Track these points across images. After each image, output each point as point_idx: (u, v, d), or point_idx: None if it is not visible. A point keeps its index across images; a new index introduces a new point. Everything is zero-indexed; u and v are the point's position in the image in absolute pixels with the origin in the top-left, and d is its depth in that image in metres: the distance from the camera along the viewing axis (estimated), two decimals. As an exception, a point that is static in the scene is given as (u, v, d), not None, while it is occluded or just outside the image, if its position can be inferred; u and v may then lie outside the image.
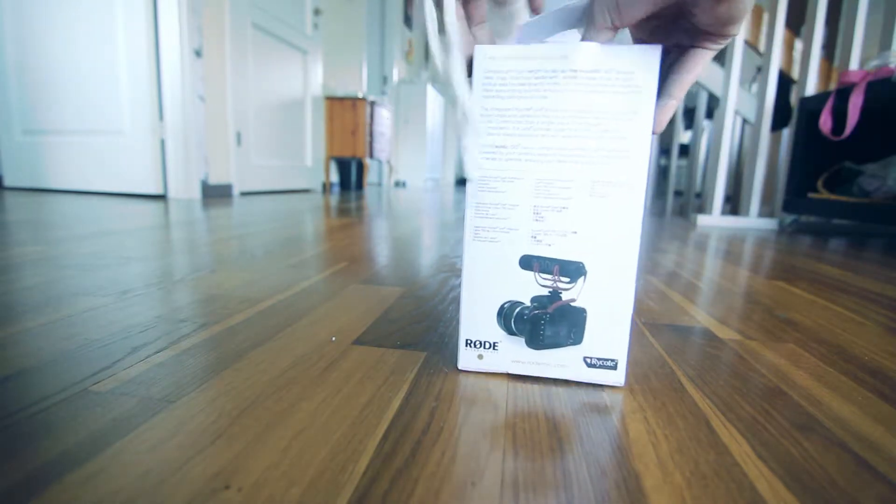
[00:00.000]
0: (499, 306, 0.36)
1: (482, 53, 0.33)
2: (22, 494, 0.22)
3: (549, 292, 0.35)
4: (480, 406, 0.32)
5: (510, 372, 0.37)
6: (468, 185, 0.35)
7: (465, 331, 0.37)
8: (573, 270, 0.35)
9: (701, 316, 0.57)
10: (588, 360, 0.36)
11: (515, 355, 0.37)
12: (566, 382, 0.37)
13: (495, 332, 0.37)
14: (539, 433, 0.29)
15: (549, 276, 0.35)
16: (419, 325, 0.48)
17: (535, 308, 0.36)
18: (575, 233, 0.34)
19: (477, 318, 0.37)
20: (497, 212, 0.35)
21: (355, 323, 0.49)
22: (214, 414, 0.30)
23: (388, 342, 0.43)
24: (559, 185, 0.34)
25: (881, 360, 0.44)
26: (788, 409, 0.34)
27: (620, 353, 0.36)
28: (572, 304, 0.35)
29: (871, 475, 0.26)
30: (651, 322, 0.53)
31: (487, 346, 0.37)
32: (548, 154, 0.34)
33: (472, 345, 0.37)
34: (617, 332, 0.35)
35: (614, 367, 0.36)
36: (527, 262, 0.35)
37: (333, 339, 0.44)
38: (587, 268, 0.35)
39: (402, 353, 0.41)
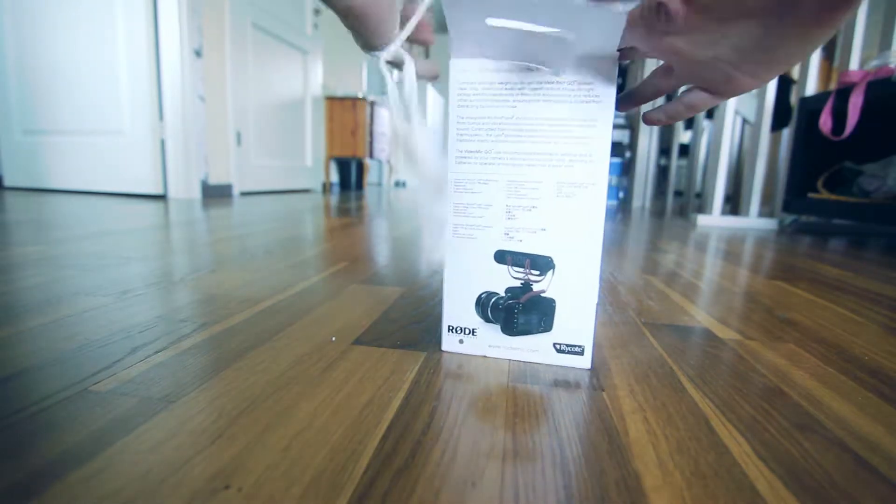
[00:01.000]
0: (476, 296, 0.40)
1: (456, 67, 0.36)
2: (23, 494, 0.22)
3: (522, 284, 0.39)
4: (480, 406, 0.32)
5: (487, 355, 0.41)
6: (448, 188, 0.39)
7: (447, 318, 0.41)
8: (543, 264, 0.38)
9: (701, 316, 0.57)
10: (557, 346, 0.40)
11: (492, 340, 0.40)
12: (566, 382, 0.37)
13: (474, 320, 0.40)
14: (539, 433, 0.29)
15: (521, 270, 0.38)
16: (419, 325, 0.48)
17: (509, 298, 0.39)
18: (544, 230, 0.38)
19: (457, 307, 0.40)
20: (473, 211, 0.38)
21: (355, 323, 0.49)
22: (214, 414, 0.30)
23: (388, 342, 0.43)
24: (529, 187, 0.37)
25: (881, 360, 0.44)
26: (788, 409, 0.34)
27: (587, 340, 0.39)
28: (543, 294, 0.39)
29: (870, 475, 0.26)
30: (651, 322, 0.53)
31: (467, 331, 0.41)
32: (518, 158, 0.37)
33: (454, 330, 0.41)
34: (583, 321, 0.39)
35: (581, 353, 0.39)
36: (501, 257, 0.38)
37: (333, 339, 0.44)
38: (556, 262, 0.38)
39: (402, 353, 0.41)
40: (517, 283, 0.39)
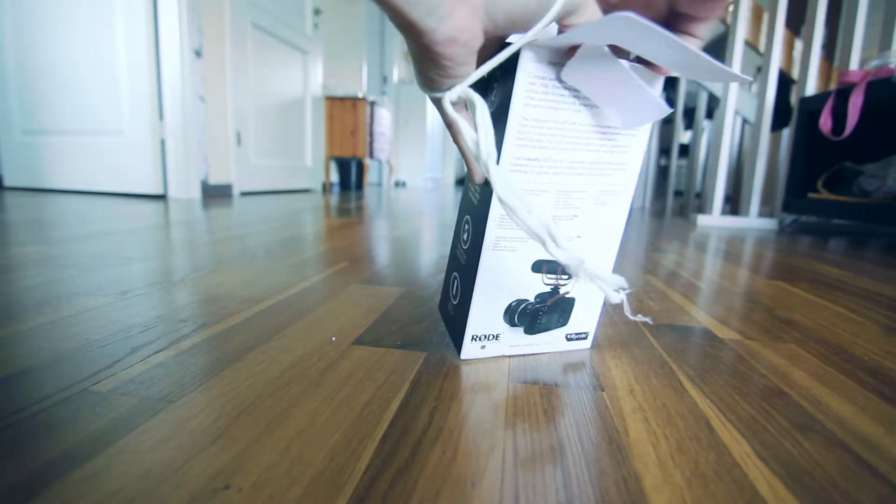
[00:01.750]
0: (507, 305, 0.39)
1: (530, 56, 0.30)
2: (23, 494, 0.22)
3: (551, 289, 0.39)
4: (480, 406, 0.32)
5: (507, 355, 0.41)
6: (493, 197, 0.34)
7: (472, 328, 0.39)
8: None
9: (701, 316, 0.57)
10: (568, 336, 0.43)
11: (513, 341, 0.41)
12: (566, 382, 0.37)
13: (499, 326, 0.40)
14: (539, 434, 0.29)
15: (553, 276, 0.39)
16: (419, 325, 0.48)
17: (538, 303, 0.39)
18: (579, 237, 0.38)
19: (484, 317, 0.39)
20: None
21: (355, 323, 0.49)
22: (214, 414, 0.30)
23: (388, 342, 0.43)
24: (574, 196, 0.36)
25: (881, 360, 0.44)
26: (788, 409, 0.34)
27: (591, 326, 0.43)
28: (566, 295, 0.40)
29: (871, 475, 0.26)
30: (651, 322, 0.53)
31: (491, 337, 0.40)
32: (571, 167, 0.35)
33: (477, 339, 0.40)
34: (592, 311, 0.42)
35: (585, 338, 0.43)
36: (538, 266, 0.38)
37: (333, 339, 0.44)
38: None
39: (402, 353, 0.41)
40: (547, 289, 0.39)
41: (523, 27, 0.27)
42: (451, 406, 0.32)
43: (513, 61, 0.31)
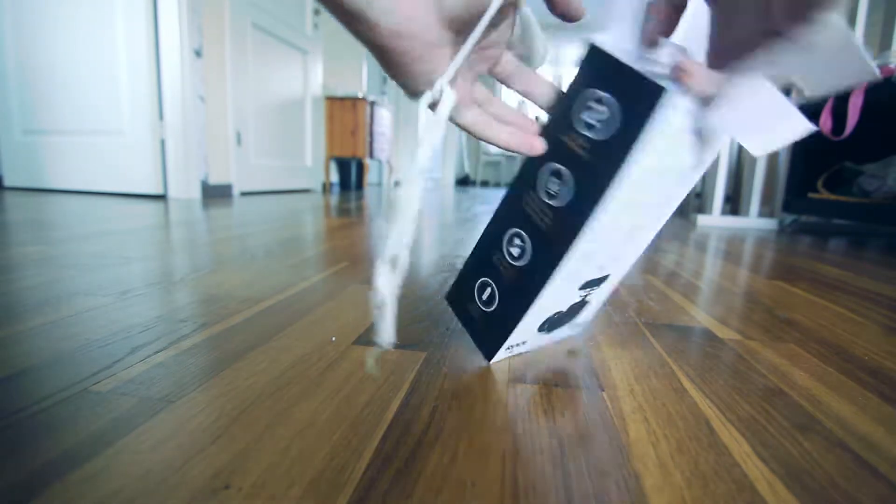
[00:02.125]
0: (548, 317, 0.39)
1: (669, 102, 0.27)
2: (23, 494, 0.22)
3: (581, 299, 0.40)
4: (480, 406, 0.32)
5: (524, 352, 0.43)
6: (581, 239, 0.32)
7: (512, 340, 0.38)
8: (603, 281, 0.40)
9: (701, 316, 0.57)
10: (570, 327, 0.45)
11: (534, 342, 0.42)
12: (566, 382, 0.37)
13: (531, 333, 0.40)
14: (539, 432, 0.29)
15: (588, 289, 0.39)
16: (419, 325, 0.48)
17: (565, 310, 0.41)
18: (621, 258, 0.38)
19: (525, 329, 0.39)
20: (594, 258, 0.35)
21: (355, 323, 0.49)
22: (214, 414, 0.30)
23: (389, 342, 0.44)
24: (639, 228, 0.36)
25: (881, 360, 0.44)
26: (788, 409, 0.34)
27: (591, 317, 0.48)
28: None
29: (871, 475, 0.26)
30: (651, 322, 0.53)
31: (520, 343, 0.41)
32: (652, 206, 0.34)
33: (510, 347, 0.40)
34: (595, 307, 0.45)
35: (581, 326, 0.47)
36: (586, 286, 0.39)
37: (333, 339, 0.44)
38: (609, 276, 0.40)
39: (402, 353, 0.41)
40: (580, 300, 0.40)
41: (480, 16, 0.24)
42: (451, 406, 0.32)
43: (640, 89, 0.28)
